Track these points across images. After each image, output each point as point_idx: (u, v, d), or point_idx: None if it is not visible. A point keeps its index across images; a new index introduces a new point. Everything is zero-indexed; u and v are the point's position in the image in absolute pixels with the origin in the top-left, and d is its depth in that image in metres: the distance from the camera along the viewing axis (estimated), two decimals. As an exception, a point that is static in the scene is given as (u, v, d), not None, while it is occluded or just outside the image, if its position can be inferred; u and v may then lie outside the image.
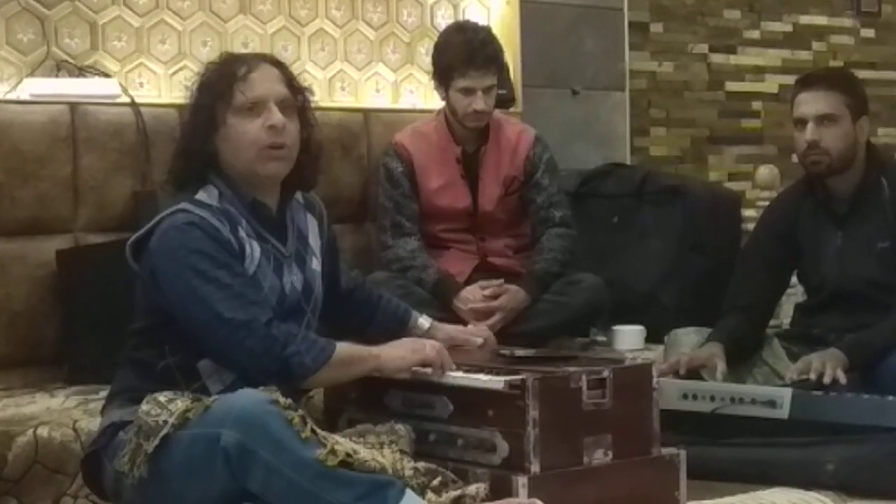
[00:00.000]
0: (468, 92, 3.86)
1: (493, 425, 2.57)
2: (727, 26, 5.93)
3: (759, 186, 4.97)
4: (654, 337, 4.12)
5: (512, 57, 4.60)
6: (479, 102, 3.85)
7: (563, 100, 4.96)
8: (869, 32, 6.39)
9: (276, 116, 2.57)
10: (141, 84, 3.99)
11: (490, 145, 4.00)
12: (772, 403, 3.19)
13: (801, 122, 3.52)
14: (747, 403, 3.22)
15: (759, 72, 6.01)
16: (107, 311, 3.27)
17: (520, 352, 2.87)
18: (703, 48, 5.85)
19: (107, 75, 3.89)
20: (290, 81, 2.65)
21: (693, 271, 4.40)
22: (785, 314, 4.08)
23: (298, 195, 2.76)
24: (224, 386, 2.51)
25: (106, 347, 2.90)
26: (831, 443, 3.07)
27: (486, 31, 4.01)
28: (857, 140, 3.52)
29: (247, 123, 2.57)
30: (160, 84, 4.04)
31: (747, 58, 5.98)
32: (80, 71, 3.85)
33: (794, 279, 3.82)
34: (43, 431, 2.91)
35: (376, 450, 2.43)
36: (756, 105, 6.02)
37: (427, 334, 2.95)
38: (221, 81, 2.59)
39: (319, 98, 3.08)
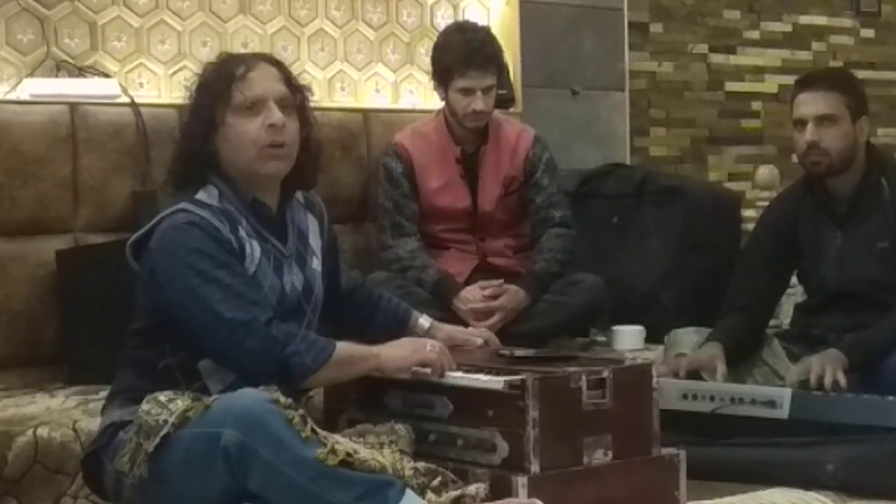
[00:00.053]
0: (468, 92, 3.85)
1: (493, 425, 2.56)
2: (727, 26, 5.93)
3: (758, 186, 4.98)
4: (653, 337, 4.12)
5: (511, 57, 4.59)
6: (479, 102, 3.85)
7: (563, 100, 4.96)
8: (869, 32, 6.39)
9: (276, 115, 2.57)
10: (141, 84, 3.99)
11: (490, 145, 4.00)
12: (772, 403, 3.19)
13: (800, 123, 3.52)
14: (747, 403, 3.22)
15: (758, 72, 6.01)
16: (107, 311, 3.27)
17: (519, 352, 2.87)
18: (703, 48, 5.85)
19: (107, 75, 3.89)
20: (289, 80, 2.65)
21: (693, 271, 4.39)
22: (785, 314, 4.07)
23: (299, 195, 2.76)
24: (224, 386, 2.51)
25: (106, 347, 2.90)
26: (831, 443, 3.07)
27: (486, 31, 4.00)
28: (856, 140, 3.52)
29: (246, 123, 2.57)
30: (160, 84, 4.03)
31: (747, 58, 5.98)
32: (80, 71, 3.84)
33: (794, 279, 3.82)
34: (43, 431, 2.90)
35: (376, 450, 2.43)
36: (756, 105, 6.02)
37: (427, 334, 2.95)
38: (220, 81, 2.59)
39: (319, 98, 3.08)
